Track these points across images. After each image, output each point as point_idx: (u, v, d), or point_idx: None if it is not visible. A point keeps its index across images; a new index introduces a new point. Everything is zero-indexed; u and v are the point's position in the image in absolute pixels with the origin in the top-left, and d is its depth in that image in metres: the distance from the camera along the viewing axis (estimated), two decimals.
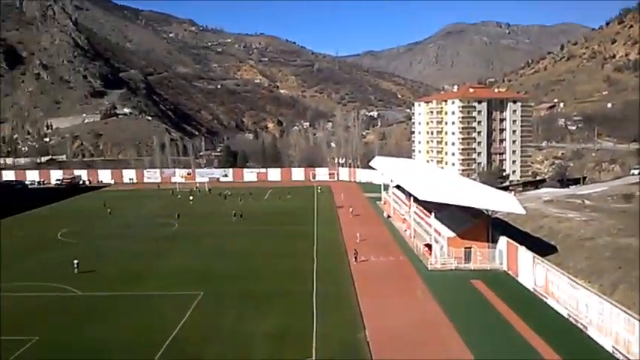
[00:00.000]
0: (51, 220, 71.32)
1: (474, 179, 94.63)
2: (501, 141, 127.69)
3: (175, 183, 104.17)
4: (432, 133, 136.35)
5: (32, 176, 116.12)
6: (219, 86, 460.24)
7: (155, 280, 42.89)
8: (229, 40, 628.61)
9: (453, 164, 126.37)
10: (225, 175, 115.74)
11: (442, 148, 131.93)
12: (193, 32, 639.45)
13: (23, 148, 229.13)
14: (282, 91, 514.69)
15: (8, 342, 30.10)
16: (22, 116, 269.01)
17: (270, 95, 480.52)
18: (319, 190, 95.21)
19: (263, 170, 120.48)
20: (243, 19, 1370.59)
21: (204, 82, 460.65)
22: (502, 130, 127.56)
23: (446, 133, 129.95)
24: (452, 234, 46.49)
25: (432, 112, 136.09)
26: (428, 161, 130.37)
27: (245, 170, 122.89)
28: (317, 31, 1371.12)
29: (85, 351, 29.38)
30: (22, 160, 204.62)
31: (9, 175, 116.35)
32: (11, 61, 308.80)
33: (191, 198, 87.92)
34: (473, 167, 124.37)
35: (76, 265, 44.43)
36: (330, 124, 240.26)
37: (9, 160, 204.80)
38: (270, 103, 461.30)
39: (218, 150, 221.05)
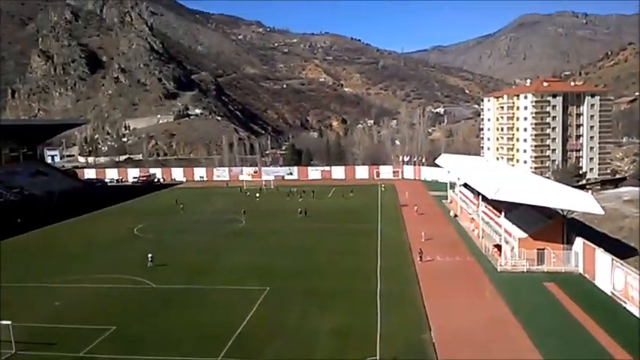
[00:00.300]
0: (128, 215, 75.35)
1: (548, 177, 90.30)
2: (578, 137, 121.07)
3: (242, 181, 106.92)
4: (502, 130, 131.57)
5: (111, 174, 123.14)
6: (284, 86, 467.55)
7: (223, 274, 44.26)
8: (295, 40, 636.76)
9: (525, 162, 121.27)
10: (290, 173, 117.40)
11: (513, 145, 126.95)
12: (261, 33, 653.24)
13: (103, 148, 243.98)
14: (346, 89, 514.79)
15: (88, 331, 32.14)
16: (102, 117, 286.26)
17: (334, 94, 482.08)
18: (383, 188, 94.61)
19: (327, 168, 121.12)
20: (309, 19, 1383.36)
21: (270, 83, 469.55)
22: (579, 126, 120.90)
23: (517, 129, 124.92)
24: (523, 235, 44.65)
25: (502, 107, 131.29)
26: (498, 159, 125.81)
27: (309, 168, 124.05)
28: (382, 28, 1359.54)
29: (159, 341, 30.82)
30: (102, 159, 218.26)
31: (90, 174, 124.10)
32: (93, 65, 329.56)
33: (257, 195, 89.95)
34: (546, 165, 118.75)
35: (150, 259, 46.74)
36: (395, 121, 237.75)
37: (90, 159, 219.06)
38: (335, 101, 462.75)
39: (283, 148, 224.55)
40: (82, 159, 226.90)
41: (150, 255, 47.16)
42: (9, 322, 29.08)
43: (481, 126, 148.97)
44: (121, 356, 28.73)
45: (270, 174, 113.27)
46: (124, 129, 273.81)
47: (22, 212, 75.37)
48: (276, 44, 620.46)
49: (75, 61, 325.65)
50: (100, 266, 47.53)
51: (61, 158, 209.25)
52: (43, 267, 48.07)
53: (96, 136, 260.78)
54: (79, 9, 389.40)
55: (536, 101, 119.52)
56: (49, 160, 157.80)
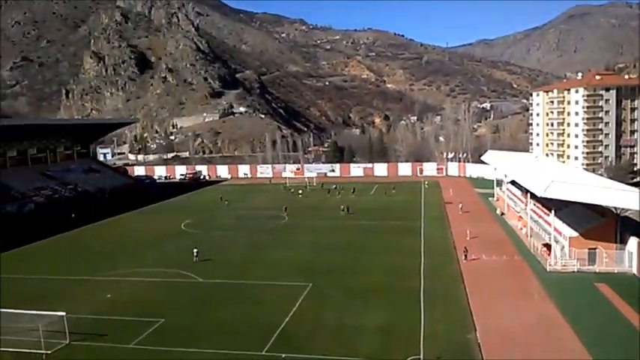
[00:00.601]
0: (176, 211, 77.44)
1: (600, 174, 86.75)
2: (632, 132, 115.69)
3: (285, 178, 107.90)
4: (551, 125, 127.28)
5: (159, 171, 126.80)
6: (327, 83, 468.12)
7: (267, 270, 44.85)
8: (337, 37, 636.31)
9: (576, 158, 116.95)
10: (333, 170, 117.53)
11: (563, 140, 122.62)
12: (303, 31, 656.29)
13: (152, 146, 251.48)
14: (389, 85, 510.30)
15: (138, 323, 33.27)
16: (150, 116, 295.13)
17: (377, 90, 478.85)
18: (426, 185, 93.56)
19: (369, 165, 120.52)
20: (352, 15, 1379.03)
21: (313, 80, 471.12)
22: (633, 121, 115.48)
23: (568, 124, 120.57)
24: (574, 233, 43.13)
25: (552, 102, 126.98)
26: (547, 155, 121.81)
27: (352, 165, 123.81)
28: (426, 22, 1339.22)
29: (205, 334, 31.56)
30: (151, 157, 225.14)
31: (140, 171, 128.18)
32: (142, 66, 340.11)
33: (300, 192, 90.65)
34: (599, 161, 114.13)
35: (195, 254, 47.90)
36: (439, 117, 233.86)
37: (140, 157, 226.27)
38: (377, 98, 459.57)
39: (326, 145, 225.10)
40: (132, 156, 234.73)
41: (195, 250, 48.31)
42: (63, 314, 30.45)
43: (530, 121, 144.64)
44: (168, 348, 29.59)
45: (312, 171, 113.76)
46: (171, 127, 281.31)
47: (76, 208, 78.82)
48: (318, 41, 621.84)
49: (125, 62, 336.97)
50: (149, 260, 49.09)
51: (112, 156, 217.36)
52: (96, 260, 50.07)
53: (145, 135, 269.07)
54: (128, 11, 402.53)
55: (588, 95, 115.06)
56: (101, 158, 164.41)
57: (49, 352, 28.93)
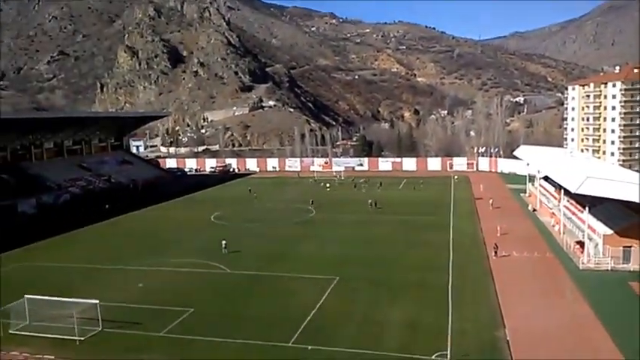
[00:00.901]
0: (206, 203, 78.57)
1: (637, 170, 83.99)
2: None
3: (313, 171, 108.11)
4: (587, 120, 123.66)
5: (190, 164, 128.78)
6: (356, 77, 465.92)
7: (294, 262, 45.16)
8: (368, 30, 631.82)
9: (612, 154, 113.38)
10: (361, 165, 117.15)
11: (599, 136, 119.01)
12: (334, 25, 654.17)
13: (183, 139, 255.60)
14: (419, 79, 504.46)
15: (168, 312, 33.98)
16: (182, 110, 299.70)
17: (406, 84, 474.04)
18: (455, 179, 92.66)
19: (398, 160, 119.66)
20: (382, 8, 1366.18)
21: (342, 74, 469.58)
22: None
23: (604, 119, 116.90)
24: (609, 231, 41.99)
25: (588, 96, 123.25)
26: (582, 150, 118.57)
27: (380, 159, 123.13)
28: (458, 15, 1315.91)
29: (233, 324, 32.02)
30: (182, 150, 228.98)
31: (171, 163, 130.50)
32: (174, 60, 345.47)
33: (328, 185, 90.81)
34: (636, 157, 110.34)
35: (224, 246, 48.55)
36: (470, 111, 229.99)
37: (171, 150, 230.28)
38: (407, 91, 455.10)
39: (354, 140, 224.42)
40: (164, 149, 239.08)
41: (224, 242, 48.99)
42: (97, 301, 31.34)
43: (564, 116, 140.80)
44: (198, 337, 30.15)
45: (340, 165, 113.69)
46: (202, 121, 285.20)
47: (110, 199, 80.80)
48: (348, 35, 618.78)
49: (158, 56, 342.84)
50: (179, 251, 50.00)
51: (145, 148, 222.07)
52: (128, 251, 51.32)
53: (177, 128, 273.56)
54: (161, 6, 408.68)
55: (625, 89, 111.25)
56: (134, 150, 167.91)
57: (82, 338, 29.84)
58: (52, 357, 28.16)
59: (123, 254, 49.54)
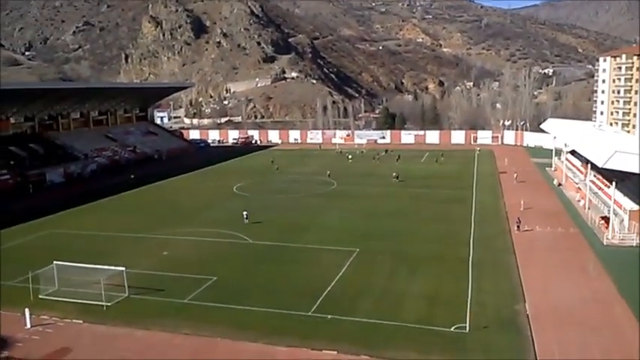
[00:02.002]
0: (228, 175, 79.29)
1: None
2: None
3: (335, 144, 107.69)
4: (618, 92, 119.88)
5: (213, 135, 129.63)
6: (380, 47, 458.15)
7: (315, 234, 45.48)
8: None
9: None
10: (383, 137, 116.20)
11: (629, 109, 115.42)
12: None
13: (206, 110, 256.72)
14: (445, 49, 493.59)
15: (192, 280, 34.78)
16: (205, 81, 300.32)
17: (431, 54, 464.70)
18: (478, 151, 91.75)
19: (421, 132, 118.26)
20: None
21: (366, 44, 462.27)
22: None
23: (636, 92, 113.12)
24: (635, 207, 41.11)
25: (619, 67, 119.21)
26: (611, 124, 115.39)
27: (402, 132, 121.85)
28: None
29: (255, 293, 32.62)
30: (205, 121, 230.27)
31: (195, 134, 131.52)
32: (197, 30, 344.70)
33: (350, 157, 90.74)
34: None
35: (245, 217, 49.17)
36: (497, 83, 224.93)
37: (195, 121, 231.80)
38: (432, 62, 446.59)
39: (377, 112, 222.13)
40: (187, 120, 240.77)
41: (245, 212, 49.61)
42: (123, 269, 32.24)
43: (594, 88, 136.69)
44: (221, 305, 30.86)
45: (362, 137, 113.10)
46: (225, 92, 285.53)
47: (135, 169, 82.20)
48: (373, 4, 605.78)
49: (181, 27, 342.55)
50: (202, 221, 50.82)
51: (169, 119, 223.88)
52: (153, 220, 52.32)
53: (200, 99, 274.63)
54: None
55: None
56: (158, 121, 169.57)
57: (109, 304, 30.83)
58: (81, 321, 29.21)
59: (148, 223, 50.54)
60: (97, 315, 29.75)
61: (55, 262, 33.43)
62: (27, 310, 28.96)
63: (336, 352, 25.06)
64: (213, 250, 41.77)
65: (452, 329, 26.96)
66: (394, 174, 70.59)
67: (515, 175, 68.27)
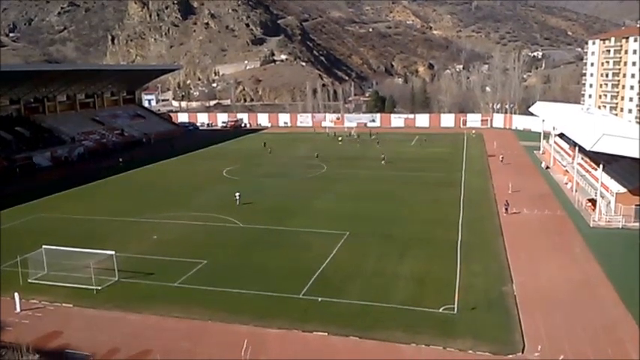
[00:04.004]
0: (218, 158, 78.95)
1: None
2: None
3: (325, 127, 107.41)
4: (606, 76, 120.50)
5: (202, 119, 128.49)
6: (370, 30, 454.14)
7: (305, 217, 45.64)
8: None
9: (630, 111, 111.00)
10: (373, 121, 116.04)
11: (618, 92, 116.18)
12: None
13: (195, 93, 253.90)
14: (435, 32, 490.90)
15: (183, 263, 34.82)
16: (193, 63, 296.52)
17: (422, 37, 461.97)
18: (473, 134, 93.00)
19: (411, 116, 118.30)
20: None
21: (356, 26, 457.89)
22: None
23: (624, 75, 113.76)
24: (622, 189, 41.70)
25: (608, 50, 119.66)
26: (600, 107, 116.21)
27: (392, 115, 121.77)
28: None
29: (245, 276, 32.78)
30: (193, 104, 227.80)
31: (183, 117, 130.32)
32: (185, 11, 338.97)
33: (340, 139, 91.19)
34: None
35: (237, 197, 49.35)
36: (487, 66, 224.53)
37: (183, 104, 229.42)
38: (422, 45, 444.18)
39: (367, 95, 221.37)
40: (175, 103, 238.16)
41: (237, 193, 49.78)
42: (113, 252, 32.14)
43: (583, 71, 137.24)
44: (211, 288, 30.97)
45: (352, 121, 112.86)
46: (213, 75, 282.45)
47: (123, 152, 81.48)
48: None
49: (168, 8, 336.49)
50: (192, 205, 50.71)
51: (156, 102, 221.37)
52: (142, 204, 52.11)
53: (188, 82, 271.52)
54: None
55: None
56: (146, 104, 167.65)
57: (99, 287, 30.81)
58: (71, 305, 29.19)
59: (137, 207, 50.34)
60: (88, 299, 29.73)
61: (44, 246, 33.28)
62: (16, 294, 28.88)
63: (326, 334, 25.35)
64: (204, 234, 41.75)
65: (440, 310, 27.34)
66: (382, 156, 70.94)
67: (501, 157, 68.97)
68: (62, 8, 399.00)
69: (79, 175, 67.78)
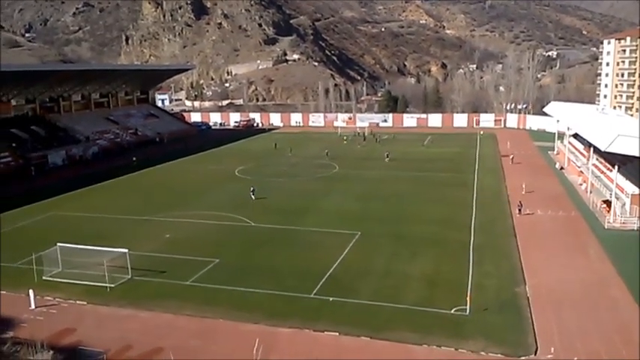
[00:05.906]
0: (230, 158, 79.21)
1: None
2: None
3: (337, 127, 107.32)
4: (622, 76, 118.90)
5: (215, 118, 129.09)
6: (382, 29, 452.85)
7: (317, 217, 45.60)
8: None
9: None
10: (385, 121, 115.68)
11: (633, 92, 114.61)
12: None
13: (207, 93, 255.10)
14: (448, 31, 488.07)
15: (194, 262, 35.02)
16: (206, 63, 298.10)
17: (434, 37, 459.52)
18: (481, 133, 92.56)
19: (423, 116, 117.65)
20: None
21: (368, 26, 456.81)
22: None
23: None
24: (637, 191, 41.04)
25: (624, 50, 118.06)
26: (615, 107, 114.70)
27: (405, 115, 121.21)
28: None
29: (257, 275, 32.85)
30: (206, 104, 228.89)
31: (196, 117, 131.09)
32: (198, 11, 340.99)
33: (345, 138, 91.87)
34: None
35: (252, 191, 50.86)
36: (500, 66, 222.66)
37: (196, 104, 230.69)
38: (435, 45, 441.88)
39: (379, 95, 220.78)
40: (188, 103, 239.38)
41: (252, 188, 50.92)
42: (126, 251, 32.43)
43: (598, 71, 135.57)
44: (223, 286, 31.10)
45: (364, 120, 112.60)
46: (226, 74, 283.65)
47: (136, 152, 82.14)
48: None
49: (181, 8, 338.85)
50: (204, 204, 50.96)
51: (170, 102, 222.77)
52: (155, 202, 52.48)
53: (201, 82, 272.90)
54: None
55: None
56: (159, 104, 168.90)
57: (112, 285, 31.10)
58: (84, 302, 29.50)
59: (150, 206, 50.70)
60: (101, 296, 30.02)
61: (58, 244, 33.65)
62: (31, 291, 29.24)
63: (337, 334, 25.33)
64: (216, 233, 41.94)
65: (452, 311, 27.18)
66: (386, 153, 72.20)
67: (511, 156, 68.52)
68: (77, 9, 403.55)
69: (94, 173, 68.46)
